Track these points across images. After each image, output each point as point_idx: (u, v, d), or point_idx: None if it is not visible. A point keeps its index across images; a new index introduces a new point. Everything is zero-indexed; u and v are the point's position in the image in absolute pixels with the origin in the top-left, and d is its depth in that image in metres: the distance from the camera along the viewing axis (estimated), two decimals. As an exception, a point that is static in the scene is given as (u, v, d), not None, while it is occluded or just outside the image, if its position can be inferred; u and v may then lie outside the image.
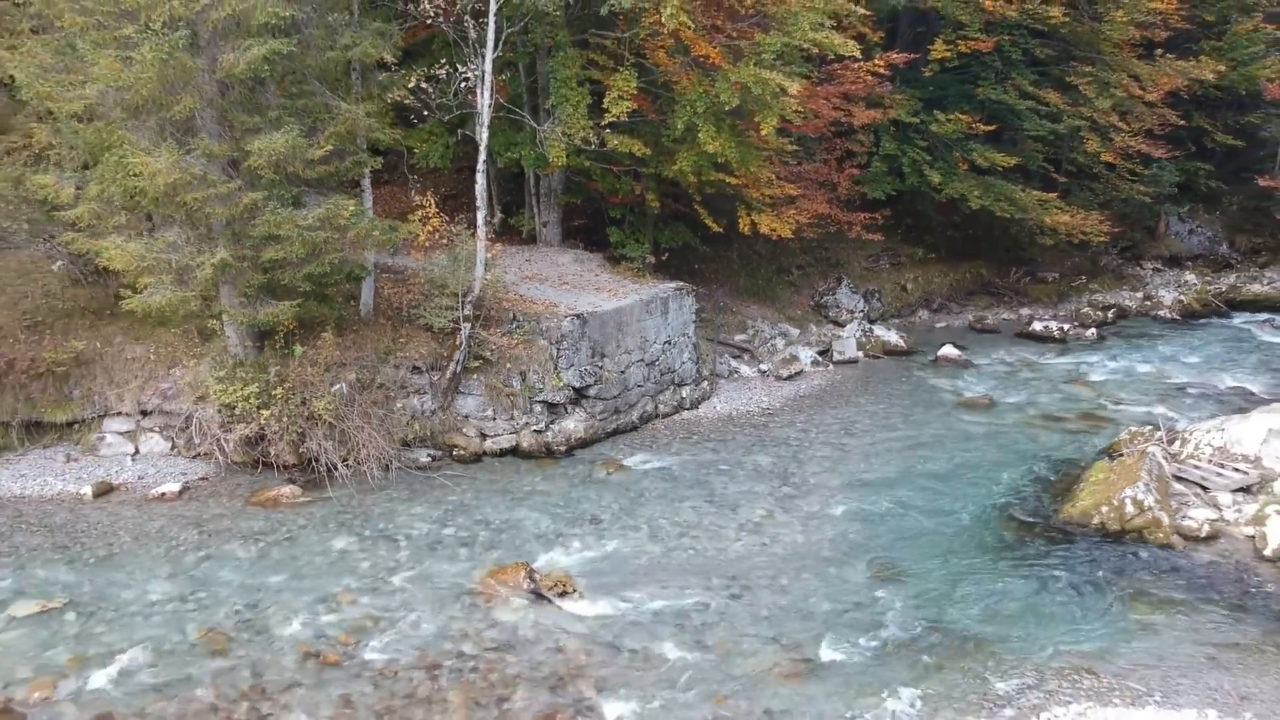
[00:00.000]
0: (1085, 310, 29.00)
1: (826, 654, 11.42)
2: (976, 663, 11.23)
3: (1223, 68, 29.14)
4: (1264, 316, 28.88)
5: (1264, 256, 35.64)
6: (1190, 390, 22.17)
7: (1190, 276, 33.23)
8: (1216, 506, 15.10)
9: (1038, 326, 27.20)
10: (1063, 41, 27.98)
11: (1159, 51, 28.52)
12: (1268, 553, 13.74)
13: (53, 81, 13.70)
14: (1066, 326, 27.34)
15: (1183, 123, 29.56)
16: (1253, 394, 21.74)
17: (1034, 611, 12.42)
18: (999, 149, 27.16)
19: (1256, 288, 31.29)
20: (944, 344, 25.14)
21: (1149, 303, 30.47)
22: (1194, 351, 25.66)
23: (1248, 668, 11.14)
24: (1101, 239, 28.15)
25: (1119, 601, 12.67)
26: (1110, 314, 29.05)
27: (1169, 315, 29.56)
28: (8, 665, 10.93)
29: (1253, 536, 14.22)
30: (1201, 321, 29.26)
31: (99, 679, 10.70)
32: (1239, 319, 29.25)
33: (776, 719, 10.22)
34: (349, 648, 11.38)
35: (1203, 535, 14.33)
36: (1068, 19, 26.49)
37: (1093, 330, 27.31)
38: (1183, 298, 30.51)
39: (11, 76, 14.91)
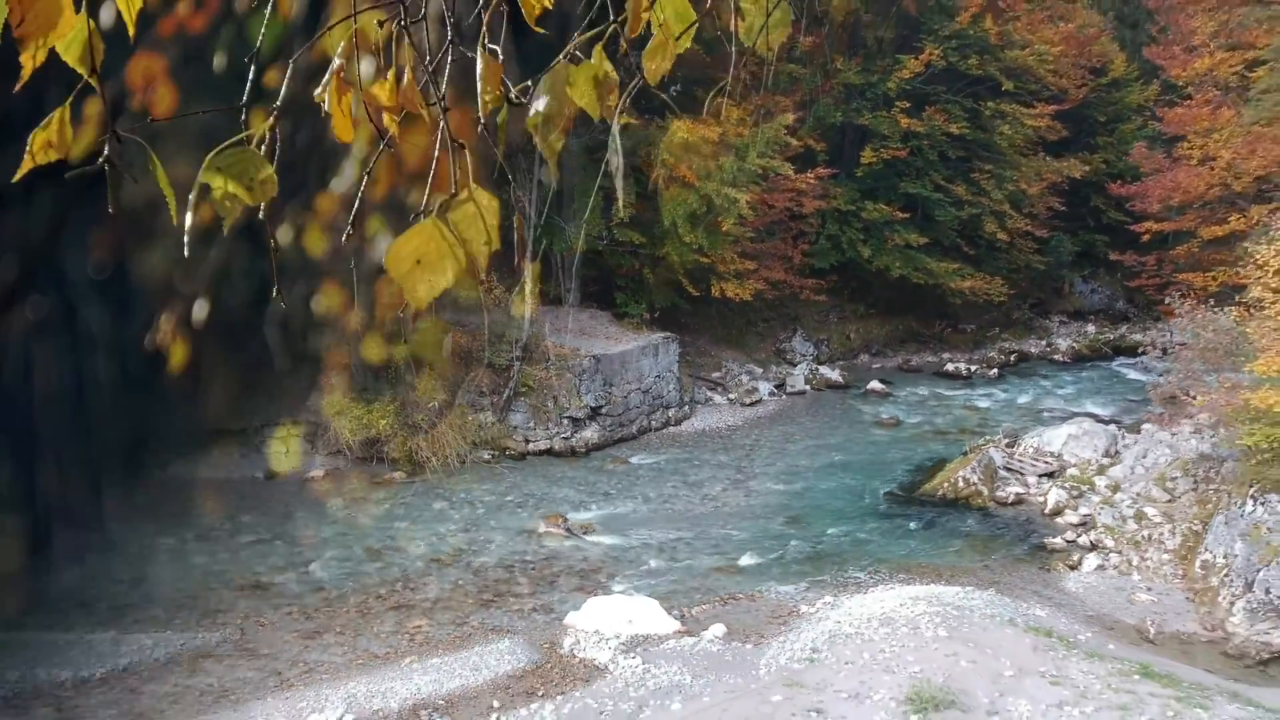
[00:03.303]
0: (992, 355, 36.32)
1: (748, 561, 18.62)
2: (840, 566, 18.40)
3: (1088, 168, 36.94)
4: (1134, 359, 36.13)
5: (1157, 311, 43.00)
6: (1050, 414, 29.40)
7: (1090, 328, 40.63)
8: (1026, 485, 22.37)
9: (950, 367, 34.49)
10: (971, 144, 35.73)
11: (1040, 153, 36.33)
12: (1046, 511, 20.96)
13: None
14: (974, 367, 34.60)
15: (1064, 208, 37.21)
16: (1098, 416, 28.88)
17: (883, 542, 19.65)
18: (920, 229, 34.73)
19: (1138, 336, 38.61)
20: (873, 380, 32.54)
21: (1048, 348, 37.81)
22: (1070, 386, 32.97)
23: (1001, 570, 18.32)
24: (1002, 299, 35.67)
25: (939, 537, 19.91)
26: (1013, 358, 36.34)
27: (1062, 359, 36.88)
28: (252, 564, 18.15)
29: (1042, 502, 21.45)
30: (1088, 364, 36.54)
31: (309, 571, 17.94)
32: (1118, 361, 36.52)
33: (714, 589, 17.41)
34: (456, 557, 18.65)
35: (1009, 502, 21.55)
36: (968, 129, 34.31)
37: (995, 370, 34.59)
38: (1075, 344, 37.86)
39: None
